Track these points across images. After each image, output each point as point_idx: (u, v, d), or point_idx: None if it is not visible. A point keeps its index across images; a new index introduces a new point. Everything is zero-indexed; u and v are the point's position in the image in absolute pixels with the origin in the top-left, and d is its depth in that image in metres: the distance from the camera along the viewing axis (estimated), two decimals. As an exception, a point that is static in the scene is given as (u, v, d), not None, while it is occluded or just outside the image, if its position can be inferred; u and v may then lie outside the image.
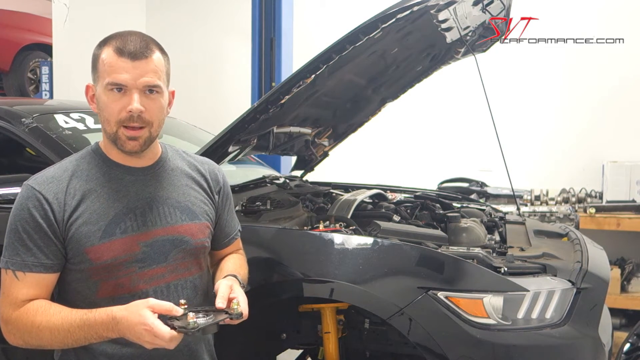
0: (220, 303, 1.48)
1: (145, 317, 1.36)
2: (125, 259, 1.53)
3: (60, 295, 1.56)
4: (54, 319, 1.44)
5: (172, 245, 1.60)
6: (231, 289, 1.54)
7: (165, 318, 1.38)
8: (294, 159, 3.59)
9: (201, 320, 1.39)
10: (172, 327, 1.36)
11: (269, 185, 3.01)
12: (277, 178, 3.19)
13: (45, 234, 1.49)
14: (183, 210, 1.64)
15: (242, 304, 1.50)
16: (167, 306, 1.39)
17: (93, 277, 1.52)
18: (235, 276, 1.64)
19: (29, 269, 1.48)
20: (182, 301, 1.43)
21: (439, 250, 2.18)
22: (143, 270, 1.56)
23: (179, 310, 1.39)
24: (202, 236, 1.67)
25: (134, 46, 1.50)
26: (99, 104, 1.53)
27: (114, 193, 1.55)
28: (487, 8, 2.71)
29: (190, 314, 1.37)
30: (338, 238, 2.14)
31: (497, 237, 2.68)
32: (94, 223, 1.51)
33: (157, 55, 1.53)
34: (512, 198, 4.26)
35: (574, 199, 4.42)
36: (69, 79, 4.91)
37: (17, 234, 1.49)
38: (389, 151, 5.16)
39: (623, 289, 4.22)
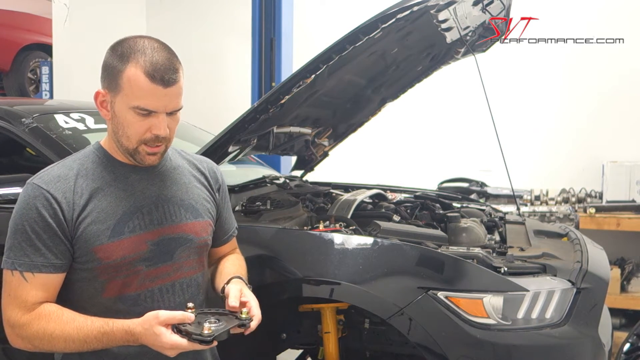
0: (233, 302, 1.50)
1: (161, 335, 1.37)
2: (133, 258, 1.53)
3: (63, 295, 1.54)
4: (67, 328, 1.43)
5: (177, 243, 1.60)
6: (241, 293, 1.56)
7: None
8: (294, 159, 3.58)
9: (214, 327, 1.40)
10: (186, 333, 1.37)
11: (269, 185, 3.00)
12: (277, 178, 3.19)
13: (54, 233, 1.47)
14: (187, 208, 1.64)
15: (254, 309, 1.52)
16: (179, 317, 1.39)
17: (100, 276, 1.52)
18: (240, 278, 1.65)
19: (39, 269, 1.46)
20: (190, 305, 1.44)
21: (439, 250, 2.18)
22: (150, 269, 1.56)
23: (191, 318, 1.40)
24: (205, 234, 1.68)
25: (164, 69, 1.46)
26: (119, 118, 1.51)
27: (120, 192, 1.55)
28: (487, 8, 2.71)
29: (206, 324, 1.38)
30: (338, 238, 2.14)
31: (497, 237, 2.68)
32: (103, 222, 1.51)
33: (181, 75, 1.51)
34: (512, 198, 4.26)
35: (574, 199, 4.42)
36: (69, 79, 4.91)
37: (25, 234, 1.46)
38: (389, 151, 5.15)
39: (623, 289, 4.22)
